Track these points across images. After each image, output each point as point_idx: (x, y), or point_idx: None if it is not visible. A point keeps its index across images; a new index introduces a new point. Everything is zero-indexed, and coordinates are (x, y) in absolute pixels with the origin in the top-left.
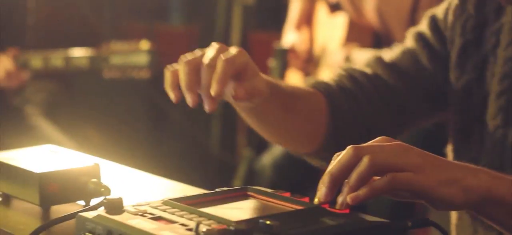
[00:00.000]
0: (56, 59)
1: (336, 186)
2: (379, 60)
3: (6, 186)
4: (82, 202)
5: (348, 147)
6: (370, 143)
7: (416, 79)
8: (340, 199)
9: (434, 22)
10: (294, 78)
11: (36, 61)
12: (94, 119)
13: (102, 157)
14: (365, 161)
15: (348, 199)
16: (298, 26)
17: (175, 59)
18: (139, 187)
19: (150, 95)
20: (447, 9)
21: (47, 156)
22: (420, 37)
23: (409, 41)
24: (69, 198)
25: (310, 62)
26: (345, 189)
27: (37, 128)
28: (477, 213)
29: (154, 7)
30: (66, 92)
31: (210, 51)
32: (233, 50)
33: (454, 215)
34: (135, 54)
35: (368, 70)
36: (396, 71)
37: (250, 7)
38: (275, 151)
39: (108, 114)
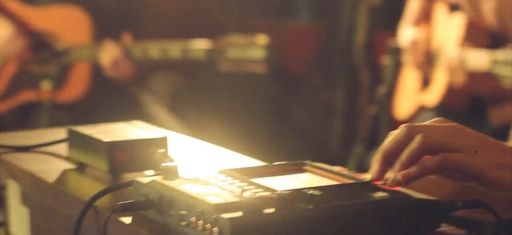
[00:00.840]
0: (174, 50)
1: (388, 163)
2: None
3: (80, 154)
4: (151, 172)
5: (402, 126)
6: (425, 122)
7: None
8: (390, 176)
9: None
10: (409, 77)
11: (153, 51)
12: (215, 111)
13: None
14: (417, 139)
15: (399, 176)
16: (416, 24)
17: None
18: (209, 160)
19: (271, 90)
20: None
21: (124, 128)
22: None
23: None
24: (138, 167)
25: (426, 60)
26: (396, 166)
27: (153, 117)
28: None
29: (282, 3)
30: (189, 84)
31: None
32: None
33: None
34: (252, 48)
35: None
36: None
37: (376, 7)
38: None
39: (230, 108)
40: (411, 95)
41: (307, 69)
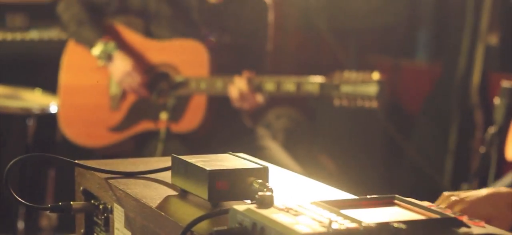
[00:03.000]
0: (288, 84)
1: None
2: None
3: (182, 181)
4: (248, 201)
5: None
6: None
7: None
8: None
9: None
10: None
11: (269, 84)
12: (327, 145)
13: (331, 183)
14: None
15: None
16: None
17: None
18: (306, 193)
19: (384, 126)
20: None
21: (227, 158)
22: None
23: None
24: (236, 196)
25: None
26: None
27: (266, 149)
28: None
29: (401, 43)
30: (303, 119)
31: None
32: None
33: None
34: (365, 84)
35: None
36: None
37: (494, 48)
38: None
39: (342, 142)
40: None
41: (422, 107)
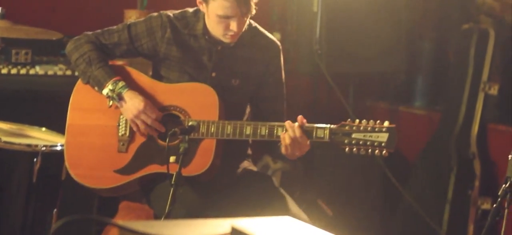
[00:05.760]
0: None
1: None
2: None
3: None
4: None
5: None
6: None
7: None
8: None
9: None
10: None
11: (278, 129)
12: (323, 189)
13: (328, 227)
14: None
15: None
16: None
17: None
18: None
19: (383, 173)
20: None
21: (283, 229)
22: None
23: None
24: None
25: None
26: None
27: (275, 197)
28: None
29: (399, 91)
30: (301, 162)
31: None
32: None
33: None
34: (376, 132)
35: None
36: None
37: (493, 97)
38: None
39: (339, 186)
40: None
41: (420, 154)
